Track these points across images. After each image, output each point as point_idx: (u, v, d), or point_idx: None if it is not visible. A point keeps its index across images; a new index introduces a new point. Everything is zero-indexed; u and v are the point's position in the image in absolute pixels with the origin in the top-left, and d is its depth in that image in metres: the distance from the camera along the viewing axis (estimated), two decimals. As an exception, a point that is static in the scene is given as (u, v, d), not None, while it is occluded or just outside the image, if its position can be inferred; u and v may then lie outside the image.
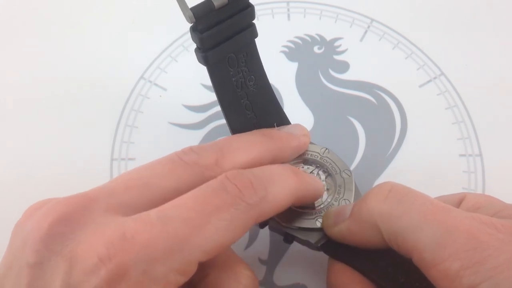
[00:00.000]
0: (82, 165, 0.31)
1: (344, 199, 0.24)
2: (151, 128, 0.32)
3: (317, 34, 0.36)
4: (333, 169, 0.25)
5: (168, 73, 0.35)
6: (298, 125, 0.26)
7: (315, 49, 0.35)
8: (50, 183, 0.30)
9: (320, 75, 0.34)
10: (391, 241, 0.19)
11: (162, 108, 0.33)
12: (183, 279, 0.17)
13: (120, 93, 0.33)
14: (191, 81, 0.34)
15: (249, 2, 0.21)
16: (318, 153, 0.26)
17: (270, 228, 0.24)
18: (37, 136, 0.32)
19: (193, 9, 0.20)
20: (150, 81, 0.34)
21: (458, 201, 0.22)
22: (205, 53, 0.21)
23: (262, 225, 0.23)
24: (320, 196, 0.23)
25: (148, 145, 0.32)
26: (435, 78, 0.34)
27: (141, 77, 0.34)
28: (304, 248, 0.25)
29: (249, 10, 0.21)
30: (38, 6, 0.38)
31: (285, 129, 0.25)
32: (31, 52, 0.35)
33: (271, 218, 0.23)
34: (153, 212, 0.17)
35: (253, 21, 0.22)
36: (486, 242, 0.16)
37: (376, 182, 0.30)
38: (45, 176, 0.30)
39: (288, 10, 0.37)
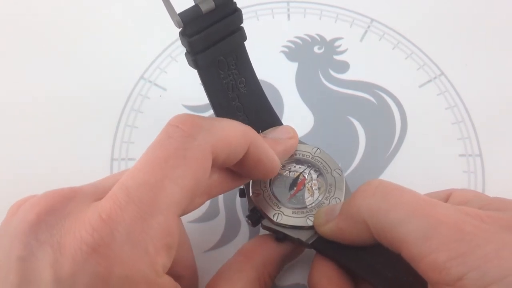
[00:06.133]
0: (82, 165, 0.31)
1: (335, 198, 0.24)
2: (151, 128, 0.32)
3: (317, 34, 0.36)
4: (324, 168, 0.25)
5: (168, 73, 0.35)
6: (285, 128, 0.26)
7: (315, 49, 0.35)
8: (50, 183, 0.30)
9: (320, 75, 0.34)
10: (380, 236, 0.19)
11: (162, 108, 0.33)
12: (171, 240, 0.17)
13: (120, 93, 0.33)
14: (191, 81, 0.34)
15: (237, 7, 0.21)
16: (310, 152, 0.26)
17: (263, 227, 0.24)
18: (37, 136, 0.32)
19: (181, 14, 0.20)
20: (150, 81, 0.34)
21: (446, 197, 0.22)
22: (195, 56, 0.21)
23: (254, 223, 0.24)
24: (274, 170, 0.23)
25: (148, 145, 0.31)
26: (435, 78, 0.34)
27: (141, 77, 0.34)
28: (304, 248, 0.25)
29: (237, 15, 0.21)
30: (38, 5, 0.38)
31: (270, 134, 0.25)
32: (31, 52, 0.35)
33: (263, 217, 0.24)
34: (116, 187, 0.17)
35: (242, 25, 0.22)
36: (473, 233, 0.16)
37: (376, 182, 0.30)
38: (45, 176, 0.30)
39: (288, 10, 0.37)
